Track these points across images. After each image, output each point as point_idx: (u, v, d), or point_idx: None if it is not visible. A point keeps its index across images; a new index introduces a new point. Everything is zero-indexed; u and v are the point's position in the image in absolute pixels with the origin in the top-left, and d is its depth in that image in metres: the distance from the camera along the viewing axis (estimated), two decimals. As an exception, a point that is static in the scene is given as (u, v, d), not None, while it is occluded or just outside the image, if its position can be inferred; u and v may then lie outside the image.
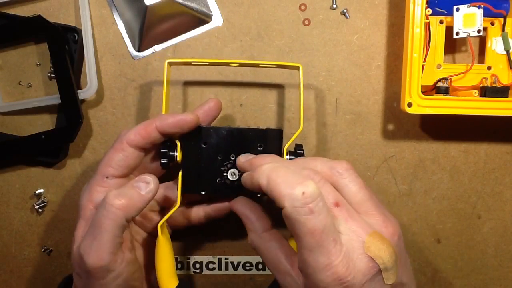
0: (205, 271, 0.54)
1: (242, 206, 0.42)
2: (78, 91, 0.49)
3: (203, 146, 0.44)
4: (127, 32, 0.51)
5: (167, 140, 0.44)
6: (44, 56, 0.51)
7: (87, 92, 0.50)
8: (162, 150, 0.43)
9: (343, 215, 0.36)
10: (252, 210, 0.41)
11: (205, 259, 0.54)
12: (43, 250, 0.53)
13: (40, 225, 0.53)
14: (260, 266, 0.53)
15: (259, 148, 0.44)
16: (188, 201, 0.48)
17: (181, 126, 0.42)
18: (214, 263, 0.54)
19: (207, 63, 0.47)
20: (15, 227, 0.53)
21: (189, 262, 0.53)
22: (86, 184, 0.43)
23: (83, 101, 0.51)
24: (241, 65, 0.47)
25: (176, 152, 0.43)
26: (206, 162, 0.44)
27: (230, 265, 0.54)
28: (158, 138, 0.42)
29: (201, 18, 0.51)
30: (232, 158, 0.44)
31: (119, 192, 0.39)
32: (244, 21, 0.51)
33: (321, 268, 0.34)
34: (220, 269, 0.54)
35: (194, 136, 0.44)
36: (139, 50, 0.51)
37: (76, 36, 0.50)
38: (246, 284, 0.54)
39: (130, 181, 0.41)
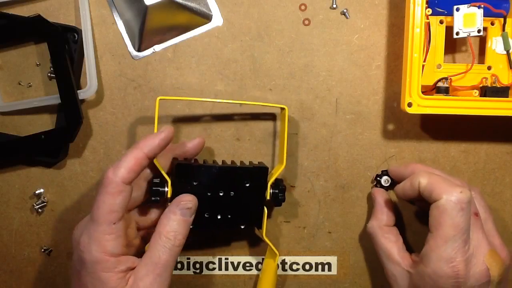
0: (205, 271, 0.54)
1: (380, 197, 0.50)
2: (78, 91, 0.49)
3: (194, 183, 0.45)
4: (127, 32, 0.51)
5: (156, 176, 0.45)
6: (44, 56, 0.51)
7: (87, 92, 0.50)
8: (154, 188, 0.44)
9: (477, 225, 0.43)
10: (386, 203, 0.49)
11: (205, 259, 0.54)
12: (43, 250, 0.53)
13: (40, 225, 0.53)
14: (260, 266, 0.53)
15: (246, 185, 0.46)
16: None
17: (165, 144, 0.43)
18: (214, 263, 0.54)
19: (195, 100, 0.50)
20: (15, 227, 0.53)
21: (189, 262, 0.53)
22: (88, 237, 0.40)
23: (83, 101, 0.51)
24: (227, 102, 0.50)
25: (167, 188, 0.45)
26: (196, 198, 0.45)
27: (230, 265, 0.54)
28: (146, 164, 0.42)
29: (201, 18, 0.51)
30: (221, 194, 0.46)
31: (180, 232, 0.42)
32: (244, 21, 0.51)
33: (446, 259, 0.40)
34: (220, 269, 0.54)
35: (186, 174, 0.45)
36: (139, 50, 0.51)
37: (76, 36, 0.50)
38: (246, 284, 0.54)
39: (173, 209, 0.42)
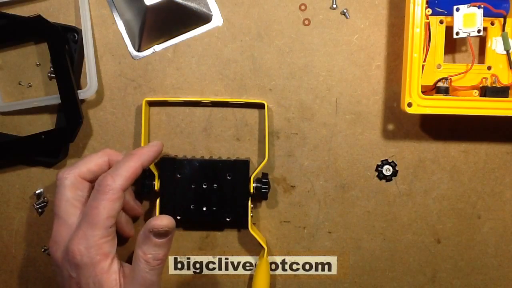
0: (205, 271, 0.54)
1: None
2: (78, 91, 0.49)
3: (178, 176, 0.49)
4: (127, 32, 0.51)
5: (145, 171, 0.47)
6: (44, 56, 0.51)
7: (87, 92, 0.50)
8: (142, 181, 0.49)
9: None
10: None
11: (205, 259, 0.54)
12: (43, 250, 0.53)
13: (40, 225, 0.53)
14: (260, 266, 0.54)
15: (228, 178, 0.49)
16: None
17: (157, 157, 0.47)
18: (214, 263, 0.54)
19: (181, 101, 0.51)
20: (15, 227, 0.53)
21: (189, 262, 0.53)
22: (84, 243, 0.40)
23: (83, 101, 0.51)
24: (212, 102, 0.51)
25: (154, 181, 0.49)
26: (181, 190, 0.49)
27: (230, 265, 0.54)
28: (140, 173, 0.44)
29: (201, 18, 0.51)
30: (204, 187, 0.49)
31: (158, 252, 0.42)
32: (244, 21, 0.51)
33: None
34: (220, 269, 0.54)
35: (170, 168, 0.49)
36: (139, 50, 0.51)
37: (76, 36, 0.50)
38: (246, 284, 0.54)
39: (146, 233, 0.41)
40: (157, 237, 0.41)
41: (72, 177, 0.43)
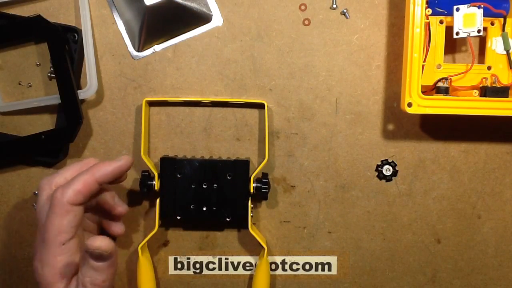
0: (205, 271, 0.54)
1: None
2: (78, 91, 0.49)
3: (178, 176, 0.49)
4: (127, 32, 0.51)
5: (145, 171, 0.49)
6: (44, 56, 0.51)
7: (87, 92, 0.50)
8: (142, 181, 0.49)
9: None
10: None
11: (205, 259, 0.54)
12: (43, 250, 0.53)
13: (40, 225, 0.53)
14: (260, 266, 0.54)
15: (228, 178, 0.49)
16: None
17: (120, 173, 0.42)
18: (214, 263, 0.54)
19: (181, 101, 0.51)
20: (15, 227, 0.53)
21: (189, 262, 0.53)
22: (40, 261, 0.39)
23: (83, 101, 0.51)
24: (212, 102, 0.51)
25: (154, 181, 0.49)
26: (181, 190, 0.49)
27: (230, 265, 0.54)
28: (97, 189, 0.41)
29: (201, 18, 0.51)
30: (205, 187, 0.49)
31: (95, 277, 0.38)
32: (244, 21, 0.51)
33: None
34: (220, 269, 0.54)
35: (170, 168, 0.49)
36: (139, 50, 0.51)
37: (76, 36, 0.50)
38: (246, 284, 0.54)
39: (84, 255, 0.38)
40: (93, 259, 0.37)
41: (48, 188, 0.42)
